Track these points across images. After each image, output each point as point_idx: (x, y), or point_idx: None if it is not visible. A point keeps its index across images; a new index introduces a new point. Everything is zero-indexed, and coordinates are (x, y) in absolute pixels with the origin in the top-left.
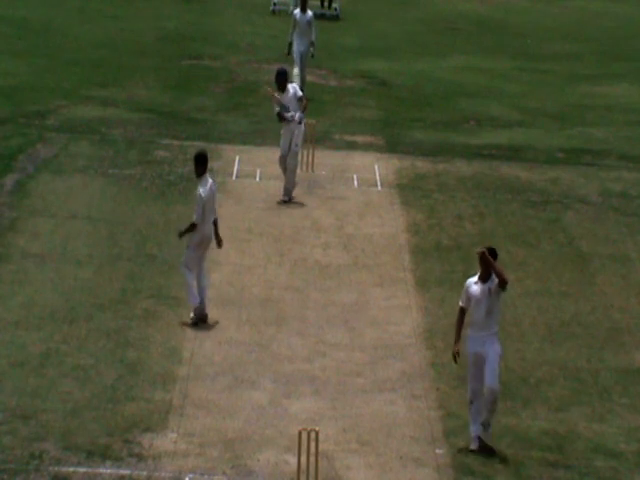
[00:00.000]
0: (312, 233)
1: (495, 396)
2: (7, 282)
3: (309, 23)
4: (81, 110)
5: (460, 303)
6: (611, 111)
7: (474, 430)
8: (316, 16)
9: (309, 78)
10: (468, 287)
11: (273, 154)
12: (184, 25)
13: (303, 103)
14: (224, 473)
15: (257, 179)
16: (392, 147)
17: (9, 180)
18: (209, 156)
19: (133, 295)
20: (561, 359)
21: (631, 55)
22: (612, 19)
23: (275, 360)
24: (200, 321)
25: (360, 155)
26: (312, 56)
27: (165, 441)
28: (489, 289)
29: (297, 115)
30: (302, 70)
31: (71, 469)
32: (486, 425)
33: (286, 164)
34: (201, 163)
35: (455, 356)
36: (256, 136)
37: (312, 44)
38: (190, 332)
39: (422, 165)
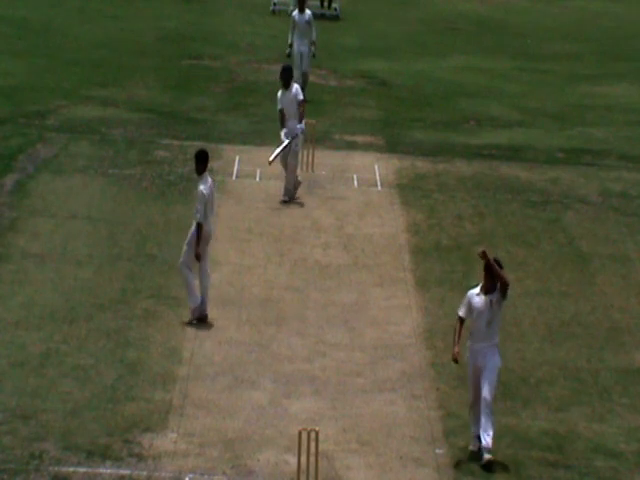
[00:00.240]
0: (312, 233)
1: (489, 408)
2: (7, 282)
3: (308, 23)
4: (81, 110)
5: (459, 313)
6: (611, 111)
7: (474, 430)
8: (316, 16)
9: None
10: (470, 298)
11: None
12: (184, 25)
13: (301, 109)
14: (224, 473)
15: (257, 179)
16: (392, 147)
17: (9, 180)
18: (209, 156)
19: (133, 295)
20: (561, 359)
21: (631, 55)
22: (612, 19)
23: (275, 360)
24: (200, 321)
25: (360, 155)
26: (313, 56)
27: (165, 441)
28: (491, 301)
29: (297, 128)
30: (304, 70)
31: (71, 469)
32: (486, 448)
33: (288, 166)
34: (202, 161)
35: (455, 358)
36: (256, 136)
37: (313, 44)
38: (190, 332)
39: (422, 165)
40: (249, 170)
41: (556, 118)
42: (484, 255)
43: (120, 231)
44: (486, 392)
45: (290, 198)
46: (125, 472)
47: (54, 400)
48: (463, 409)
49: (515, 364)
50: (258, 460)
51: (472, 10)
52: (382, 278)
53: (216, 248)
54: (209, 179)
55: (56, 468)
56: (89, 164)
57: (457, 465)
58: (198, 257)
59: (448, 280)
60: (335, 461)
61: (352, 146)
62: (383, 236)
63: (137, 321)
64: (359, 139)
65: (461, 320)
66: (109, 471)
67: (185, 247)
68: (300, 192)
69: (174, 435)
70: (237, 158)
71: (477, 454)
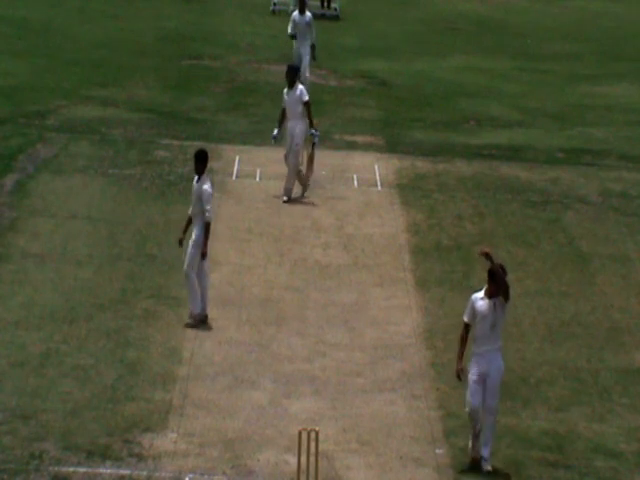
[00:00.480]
0: (312, 233)
1: (494, 416)
2: (7, 282)
3: (308, 25)
4: (81, 110)
5: (465, 319)
6: (611, 111)
7: (474, 452)
8: (316, 16)
9: (309, 76)
10: (474, 303)
11: (273, 154)
12: (184, 25)
13: (307, 111)
14: (224, 473)
15: (257, 179)
16: (392, 147)
17: (9, 180)
18: (209, 156)
19: (133, 295)
20: (561, 359)
21: (631, 55)
22: (612, 19)
23: (275, 360)
24: (200, 322)
25: (360, 155)
26: (313, 58)
27: (165, 441)
28: (494, 304)
29: (314, 133)
30: (303, 73)
31: (71, 469)
32: (486, 458)
33: (288, 165)
34: (203, 161)
35: (459, 375)
36: (256, 136)
37: (313, 46)
38: (190, 332)
39: (422, 165)
40: (249, 170)
41: (556, 118)
42: (488, 256)
43: (120, 231)
44: (490, 398)
45: (289, 198)
46: (125, 472)
47: (54, 400)
48: (463, 409)
49: (515, 364)
50: (258, 460)
51: (472, 10)
52: (382, 278)
53: (216, 248)
54: (208, 179)
55: (56, 468)
56: (89, 164)
57: (457, 465)
58: (204, 256)
59: (448, 280)
60: (335, 461)
61: (352, 146)
62: (383, 236)
63: (137, 321)
64: (359, 139)
65: (467, 327)
66: (109, 471)
67: (191, 250)
68: (300, 192)
69: (174, 435)
70: (237, 158)
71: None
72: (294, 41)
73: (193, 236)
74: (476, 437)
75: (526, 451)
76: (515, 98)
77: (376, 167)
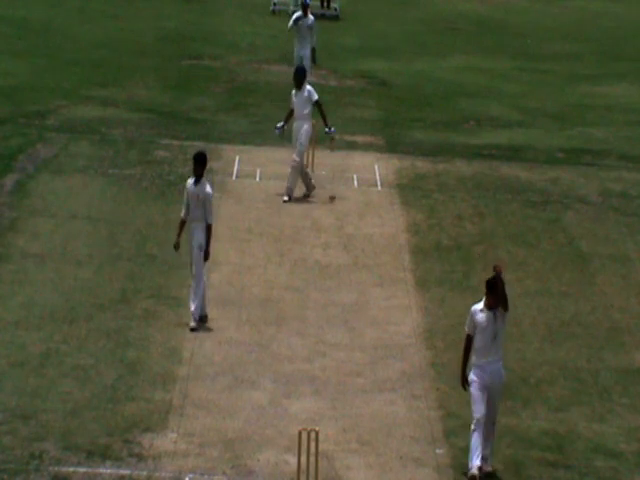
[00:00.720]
0: (312, 233)
1: (494, 427)
2: (7, 282)
3: (310, 28)
4: (81, 110)
5: (467, 330)
6: (611, 111)
7: (474, 459)
8: (316, 16)
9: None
10: (474, 314)
11: (273, 154)
12: (184, 25)
13: (320, 108)
14: (224, 473)
15: (257, 179)
16: (392, 147)
17: (9, 180)
18: (209, 156)
19: (133, 295)
20: (561, 359)
21: (631, 55)
22: (612, 19)
23: (275, 360)
24: (200, 321)
25: (360, 155)
26: (314, 62)
27: (165, 441)
28: (494, 314)
29: (331, 130)
30: None
31: (71, 469)
32: (487, 458)
33: (293, 165)
34: (203, 163)
35: (464, 386)
36: (256, 136)
37: (313, 50)
38: (190, 332)
39: (422, 165)
40: (249, 170)
41: (556, 118)
42: (499, 274)
43: (120, 231)
44: (493, 410)
45: (290, 198)
46: (125, 472)
47: (54, 400)
48: (463, 409)
49: (515, 364)
50: (258, 460)
51: (472, 10)
52: (382, 278)
53: (216, 248)
54: (207, 181)
55: (56, 468)
56: (89, 164)
57: (457, 465)
58: (208, 257)
59: (448, 280)
60: (335, 461)
61: (352, 146)
62: (383, 236)
63: (137, 321)
64: (359, 139)
65: (469, 339)
66: (109, 471)
67: (198, 253)
68: (300, 192)
69: (174, 435)
70: (237, 158)
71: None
72: (295, 42)
73: (195, 240)
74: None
75: (526, 451)
76: (515, 98)
77: (376, 167)
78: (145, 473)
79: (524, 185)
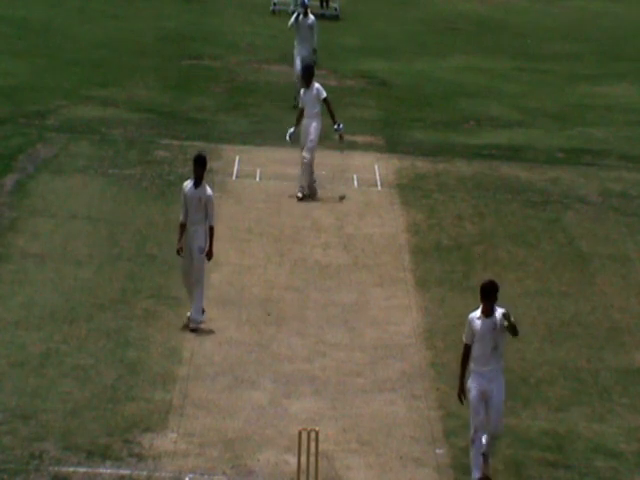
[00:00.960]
0: (312, 233)
1: (498, 436)
2: (7, 282)
3: (311, 28)
4: (81, 110)
5: (464, 340)
6: (611, 111)
7: (476, 473)
8: (316, 16)
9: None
10: (471, 322)
11: (273, 154)
12: (184, 25)
13: (328, 105)
14: (224, 473)
15: (257, 179)
16: (392, 147)
17: (9, 180)
18: (209, 156)
19: (133, 295)
20: (561, 359)
21: (631, 55)
22: (612, 19)
23: (275, 360)
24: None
25: (360, 155)
26: (314, 63)
27: (165, 441)
28: (494, 324)
29: (339, 127)
30: None
31: (71, 469)
32: (487, 456)
33: (304, 161)
34: (204, 166)
35: (461, 398)
36: (256, 136)
37: (314, 51)
38: (190, 332)
39: (422, 165)
40: (249, 170)
41: (556, 118)
42: (508, 319)
43: (120, 231)
44: (496, 422)
45: (304, 195)
46: (125, 472)
47: (54, 400)
48: (463, 409)
49: (515, 364)
50: (258, 460)
51: (472, 10)
52: (382, 278)
53: (216, 248)
54: (207, 183)
55: (56, 468)
56: (89, 164)
57: (457, 465)
58: (211, 257)
59: (448, 280)
60: (335, 461)
61: (352, 146)
62: (383, 236)
63: (137, 321)
64: (359, 139)
65: (467, 348)
66: (109, 471)
67: (200, 256)
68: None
69: (174, 435)
70: (237, 158)
71: None
72: (295, 43)
73: (196, 242)
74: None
75: (526, 451)
76: (515, 98)
77: (376, 167)
78: (145, 473)
79: (524, 185)
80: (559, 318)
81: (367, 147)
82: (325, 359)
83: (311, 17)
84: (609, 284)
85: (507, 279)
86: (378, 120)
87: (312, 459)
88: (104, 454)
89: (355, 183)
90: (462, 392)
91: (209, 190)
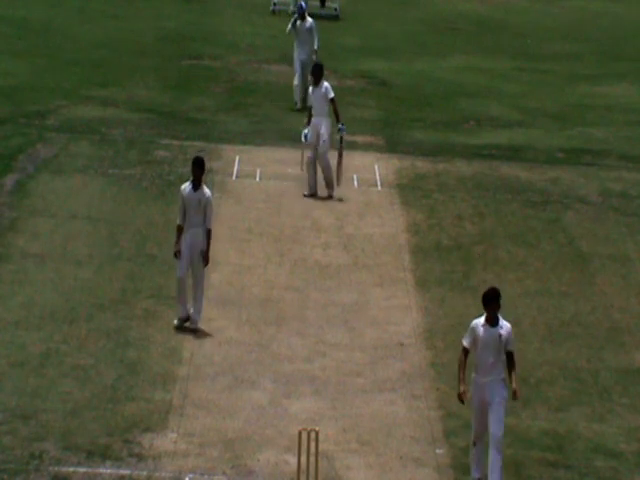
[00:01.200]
0: (312, 233)
1: (499, 443)
2: (7, 282)
3: (310, 31)
4: (81, 110)
5: (464, 343)
6: (611, 111)
7: (476, 474)
8: (315, 16)
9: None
10: (475, 328)
11: (273, 154)
12: (184, 25)
13: (334, 107)
14: (224, 473)
15: (257, 179)
16: (392, 147)
17: (9, 180)
18: (209, 156)
19: (133, 295)
20: (561, 359)
21: (631, 55)
22: (612, 19)
23: (275, 360)
24: (183, 321)
25: (360, 155)
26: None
27: (165, 441)
28: (499, 335)
29: (340, 127)
30: (304, 79)
31: (71, 469)
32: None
33: (320, 163)
34: (203, 168)
35: (461, 398)
36: (256, 136)
37: (315, 52)
38: (190, 332)
39: (422, 165)
40: (249, 170)
41: (556, 118)
42: (515, 395)
43: (120, 231)
44: (496, 428)
45: (333, 192)
46: (125, 472)
47: (54, 400)
48: (463, 409)
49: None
50: (258, 460)
51: (472, 10)
52: (382, 278)
53: (216, 248)
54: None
55: (56, 468)
56: (89, 164)
57: (457, 465)
58: (208, 262)
59: (448, 280)
60: (335, 461)
61: (352, 146)
62: (383, 236)
63: (137, 321)
64: (359, 139)
65: (466, 352)
66: (109, 471)
67: (198, 258)
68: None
69: (174, 435)
70: (237, 158)
71: None
72: (294, 46)
73: (196, 245)
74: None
75: (526, 451)
76: (515, 98)
77: (376, 167)
78: (145, 473)
79: (524, 185)
80: (559, 318)
81: (367, 147)
82: (325, 359)
83: (309, 20)
84: (609, 284)
85: (507, 279)
86: (378, 120)
87: (312, 459)
88: (104, 454)
89: (355, 183)
90: (463, 393)
91: (208, 192)
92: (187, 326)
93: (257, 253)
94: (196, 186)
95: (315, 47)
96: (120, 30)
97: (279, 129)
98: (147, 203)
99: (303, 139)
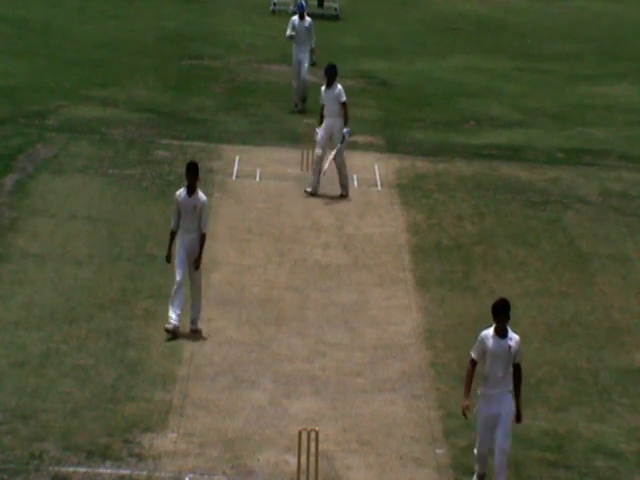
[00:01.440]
0: (312, 233)
1: (505, 457)
2: (7, 282)
3: (308, 30)
4: (81, 110)
5: (473, 355)
6: (611, 111)
7: (480, 469)
8: (315, 16)
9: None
10: (484, 340)
11: (273, 154)
12: (184, 25)
13: (344, 110)
14: (224, 473)
15: (257, 179)
16: (392, 147)
17: (9, 180)
18: (209, 156)
19: (133, 295)
20: (561, 359)
21: (631, 55)
22: (612, 19)
23: (275, 360)
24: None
25: (360, 155)
26: (313, 64)
27: (165, 441)
28: (509, 346)
29: (344, 131)
30: (303, 78)
31: (71, 469)
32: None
33: (337, 164)
34: (197, 172)
35: (465, 412)
36: (256, 136)
37: (312, 51)
38: (190, 333)
39: (422, 165)
40: (249, 170)
41: (556, 118)
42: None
43: (120, 231)
44: (503, 442)
45: (347, 193)
46: (125, 472)
47: (54, 400)
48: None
49: None
50: (258, 460)
51: (472, 10)
52: (382, 278)
53: (216, 248)
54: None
55: (56, 468)
56: (89, 164)
57: (457, 465)
58: (199, 266)
59: (448, 280)
60: (335, 461)
61: (352, 146)
62: (383, 236)
63: (137, 321)
64: (359, 139)
65: (474, 364)
66: (109, 471)
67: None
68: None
69: (174, 435)
70: (237, 158)
71: None
72: (293, 46)
73: (192, 250)
74: (481, 478)
75: (526, 451)
76: (515, 98)
77: (376, 167)
78: (145, 473)
79: (524, 185)
80: (559, 318)
81: (367, 147)
82: (325, 359)
83: (307, 19)
84: (609, 284)
85: (507, 279)
86: (378, 120)
87: (312, 459)
88: (104, 454)
89: (355, 183)
90: (467, 407)
91: (203, 196)
92: (191, 328)
93: (257, 253)
94: (190, 191)
95: (313, 46)
96: (120, 30)
97: (279, 129)
98: (147, 203)
99: (317, 138)
